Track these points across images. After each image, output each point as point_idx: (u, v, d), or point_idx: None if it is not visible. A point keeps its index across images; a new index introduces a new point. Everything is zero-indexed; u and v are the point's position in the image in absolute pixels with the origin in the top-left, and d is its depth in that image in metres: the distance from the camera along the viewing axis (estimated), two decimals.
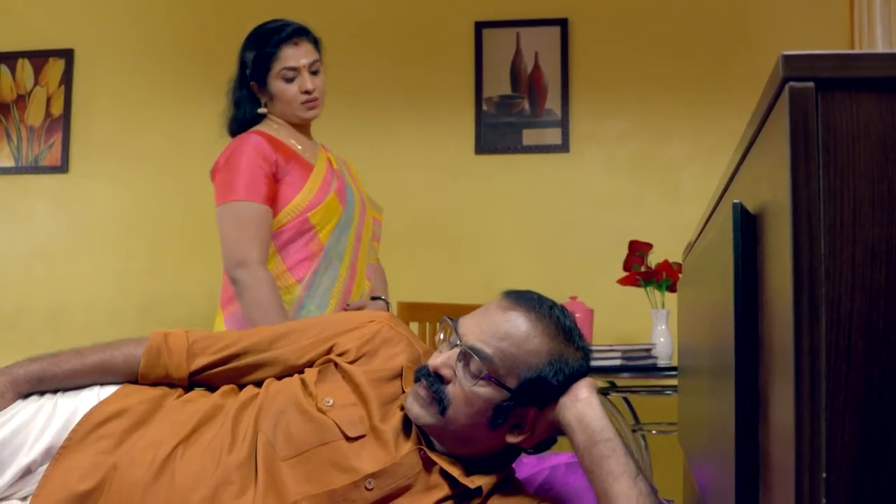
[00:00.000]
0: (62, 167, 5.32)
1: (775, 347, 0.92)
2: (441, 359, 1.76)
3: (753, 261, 1.04)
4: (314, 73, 3.14)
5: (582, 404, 1.72)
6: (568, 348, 1.76)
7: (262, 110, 3.18)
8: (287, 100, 3.11)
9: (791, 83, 0.85)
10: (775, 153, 0.91)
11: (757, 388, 1.02)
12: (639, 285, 4.02)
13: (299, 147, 3.17)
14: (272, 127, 3.15)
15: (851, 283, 0.83)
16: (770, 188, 0.95)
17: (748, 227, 1.05)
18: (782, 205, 0.87)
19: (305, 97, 3.11)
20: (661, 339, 3.94)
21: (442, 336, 1.84)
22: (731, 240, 1.06)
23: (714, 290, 1.29)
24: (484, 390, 1.72)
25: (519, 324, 1.74)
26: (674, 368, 3.79)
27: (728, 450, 1.08)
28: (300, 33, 3.14)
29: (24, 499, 1.76)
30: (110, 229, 5.28)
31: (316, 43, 3.21)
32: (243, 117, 3.18)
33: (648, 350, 3.83)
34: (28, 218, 5.39)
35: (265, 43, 3.10)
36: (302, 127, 3.24)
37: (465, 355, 1.74)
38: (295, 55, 3.09)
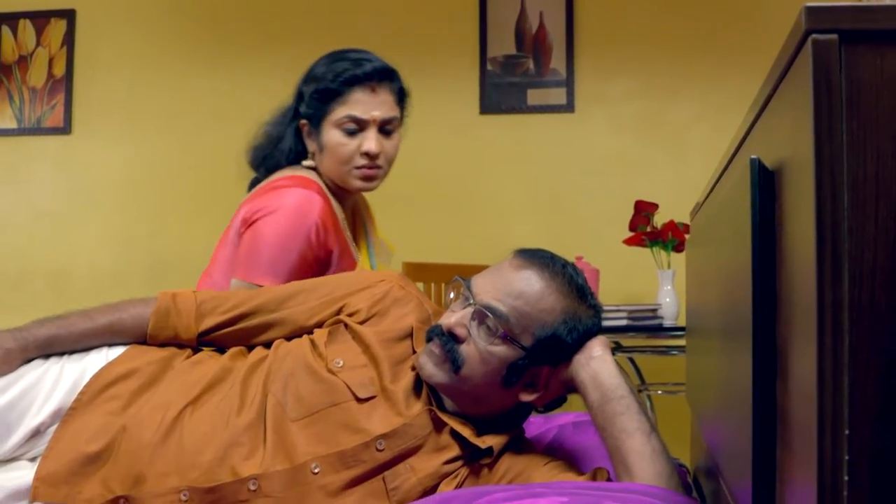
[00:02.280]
0: (65, 128, 5.30)
1: (795, 304, 0.91)
2: (455, 318, 1.76)
3: (771, 217, 1.03)
4: (386, 133, 2.46)
5: (595, 362, 1.72)
6: (581, 306, 1.76)
7: (307, 163, 2.49)
8: (339, 157, 2.42)
9: (814, 35, 0.84)
10: (796, 108, 0.90)
11: (774, 346, 1.01)
12: (645, 245, 4.02)
13: (347, 231, 2.54)
14: (322, 185, 2.47)
15: (874, 238, 0.82)
16: (790, 143, 0.94)
17: (766, 182, 1.03)
18: (804, 160, 0.86)
19: (364, 161, 2.43)
20: (667, 300, 3.95)
21: (452, 296, 1.84)
22: (747, 196, 1.05)
23: (728, 248, 1.28)
24: (499, 349, 1.72)
25: (533, 282, 1.74)
26: (680, 328, 3.80)
27: (744, 408, 1.07)
28: (382, 76, 2.45)
29: (34, 460, 1.75)
30: (114, 190, 5.27)
31: (401, 95, 2.52)
32: (279, 160, 2.53)
33: (654, 310, 3.84)
34: (31, 180, 5.38)
35: (333, 77, 2.42)
36: (348, 194, 2.57)
37: (480, 314, 1.73)
38: (367, 103, 2.42)
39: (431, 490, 1.71)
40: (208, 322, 1.94)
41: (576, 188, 4.90)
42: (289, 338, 1.93)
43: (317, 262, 2.37)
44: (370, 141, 2.41)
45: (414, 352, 1.86)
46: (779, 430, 0.99)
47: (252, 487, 1.65)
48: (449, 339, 1.75)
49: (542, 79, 4.93)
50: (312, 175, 2.47)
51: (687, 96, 4.89)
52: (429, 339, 1.79)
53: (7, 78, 5.36)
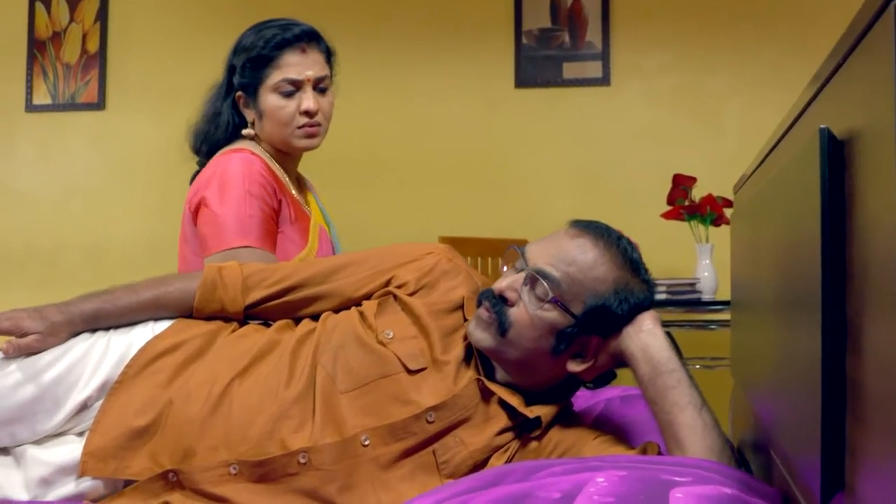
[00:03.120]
0: (99, 104, 5.32)
1: (870, 275, 0.90)
2: (506, 282, 1.76)
3: (840, 187, 1.01)
4: (321, 91, 2.53)
5: (646, 335, 1.71)
6: (634, 279, 1.76)
7: (246, 131, 2.54)
8: (280, 120, 2.49)
9: None
10: (872, 76, 0.88)
11: (844, 319, 1.00)
12: (683, 219, 4.00)
13: (293, 190, 2.59)
14: (259, 151, 2.52)
15: None
16: (863, 113, 0.92)
17: (835, 152, 1.02)
18: (881, 129, 0.84)
19: (304, 120, 2.49)
20: (706, 274, 3.94)
21: (505, 269, 1.83)
22: (813, 166, 1.03)
23: (788, 219, 1.26)
24: (549, 314, 1.72)
25: (587, 250, 1.74)
26: (719, 302, 3.79)
27: (810, 381, 1.06)
28: (310, 38, 2.52)
29: (81, 434, 1.76)
30: (148, 166, 5.28)
31: (329, 54, 2.59)
32: (219, 137, 2.56)
33: (693, 284, 3.83)
34: (65, 155, 5.40)
35: (263, 44, 2.47)
36: (291, 158, 2.62)
37: (532, 279, 1.73)
38: (299, 64, 2.48)
39: (482, 464, 1.71)
40: (255, 295, 1.94)
41: (611, 162, 4.89)
42: (336, 310, 1.93)
43: (274, 212, 2.43)
44: (308, 99, 2.48)
45: (465, 320, 1.86)
46: (848, 403, 0.98)
47: (302, 460, 1.65)
48: (498, 302, 1.75)
49: (577, 52, 4.90)
50: (247, 145, 2.52)
51: (722, 69, 4.86)
52: (479, 304, 1.79)
53: (41, 54, 5.38)
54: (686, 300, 3.81)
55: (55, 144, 5.41)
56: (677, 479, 1.28)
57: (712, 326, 4.01)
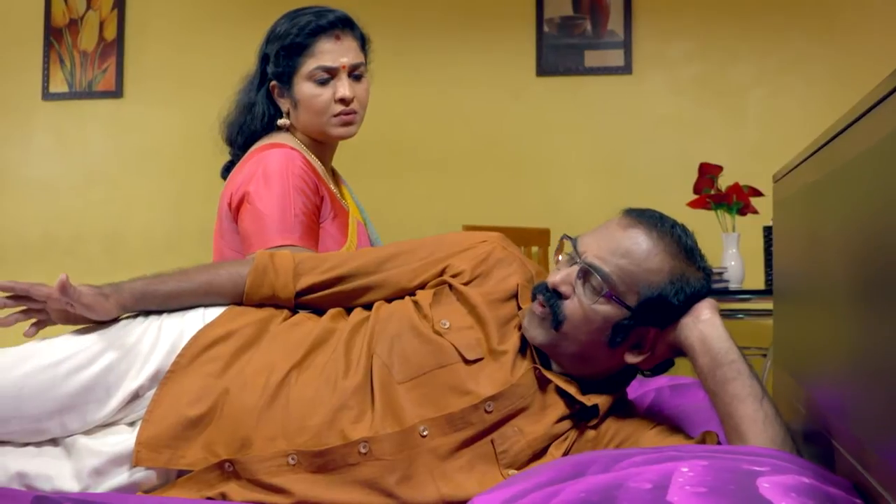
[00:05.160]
0: (117, 92, 5.31)
1: None
2: (560, 275, 1.74)
3: None
4: (356, 78, 2.48)
5: (704, 325, 1.70)
6: (689, 268, 1.74)
7: (282, 121, 2.51)
8: (315, 108, 2.45)
9: None
10: None
11: None
12: (709, 208, 3.99)
13: (331, 184, 2.55)
14: (296, 144, 2.49)
15: None
16: None
17: None
18: None
19: (340, 108, 2.45)
20: (732, 263, 3.93)
21: (560, 259, 1.82)
22: None
23: (872, 207, 1.25)
24: (604, 308, 1.71)
25: (640, 241, 1.72)
26: (745, 291, 3.79)
27: None
28: (344, 24, 2.47)
29: (132, 424, 1.75)
30: (166, 154, 5.28)
31: (363, 41, 2.54)
32: (255, 127, 2.54)
33: (720, 274, 3.82)
34: (82, 144, 5.39)
35: (297, 32, 2.43)
36: (327, 148, 2.59)
37: (585, 272, 1.72)
38: (334, 51, 2.43)
39: (541, 453, 1.70)
40: (307, 281, 1.93)
41: (634, 150, 4.88)
42: (389, 299, 1.92)
43: (317, 209, 2.40)
44: (343, 87, 2.43)
45: (520, 309, 1.85)
46: None
47: (363, 451, 1.64)
48: (553, 296, 1.74)
49: (599, 40, 4.90)
50: (284, 138, 2.48)
51: (746, 59, 4.86)
52: (533, 297, 1.78)
53: (58, 42, 5.37)
54: (713, 290, 3.79)
55: (72, 133, 5.40)
56: (757, 468, 1.27)
57: (739, 315, 4.01)
